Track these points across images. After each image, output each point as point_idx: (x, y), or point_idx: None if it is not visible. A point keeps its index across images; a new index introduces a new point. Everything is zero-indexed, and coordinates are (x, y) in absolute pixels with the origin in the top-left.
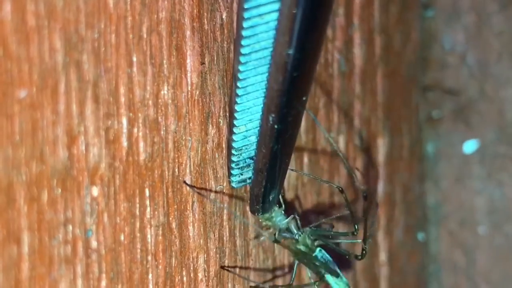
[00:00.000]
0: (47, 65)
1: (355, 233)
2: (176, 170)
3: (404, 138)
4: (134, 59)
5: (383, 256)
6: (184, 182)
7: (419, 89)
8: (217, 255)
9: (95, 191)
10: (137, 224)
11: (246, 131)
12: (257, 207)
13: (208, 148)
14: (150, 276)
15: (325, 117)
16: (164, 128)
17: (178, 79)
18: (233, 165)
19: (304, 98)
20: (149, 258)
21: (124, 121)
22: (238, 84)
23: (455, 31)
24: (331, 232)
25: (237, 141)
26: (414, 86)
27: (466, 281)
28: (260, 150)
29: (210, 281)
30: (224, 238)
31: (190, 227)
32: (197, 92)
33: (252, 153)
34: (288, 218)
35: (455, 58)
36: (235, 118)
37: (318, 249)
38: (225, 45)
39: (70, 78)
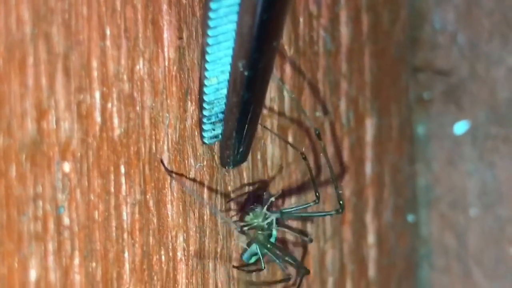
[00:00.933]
0: (14, 37)
1: (317, 202)
2: (153, 147)
3: (393, 119)
4: (108, 32)
5: (371, 238)
6: (161, 161)
7: (410, 69)
8: (197, 234)
9: (66, 167)
10: (112, 202)
11: (218, 83)
12: (228, 160)
13: (187, 125)
14: (126, 254)
15: (310, 96)
16: (140, 104)
17: (155, 54)
18: (204, 119)
19: (274, 44)
20: (125, 236)
21: (97, 95)
22: (209, 32)
23: (445, 10)
24: (298, 207)
25: (209, 94)
26: (403, 66)
27: (457, 263)
28: (231, 99)
29: (190, 260)
30: (205, 217)
31: (169, 206)
32: (175, 68)
33: (224, 107)
34: (271, 217)
35: (445, 38)
36: (206, 69)
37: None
38: None
39: (39, 50)
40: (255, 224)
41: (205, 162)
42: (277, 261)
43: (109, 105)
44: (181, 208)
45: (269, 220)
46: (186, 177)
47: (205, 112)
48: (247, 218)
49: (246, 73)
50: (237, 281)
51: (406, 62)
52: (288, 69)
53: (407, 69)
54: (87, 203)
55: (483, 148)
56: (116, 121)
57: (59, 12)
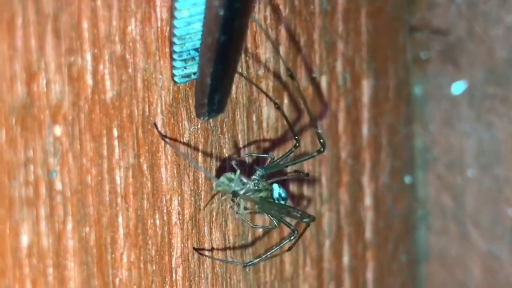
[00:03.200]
0: None
1: (298, 145)
2: (147, 109)
3: (390, 80)
4: None
5: (368, 200)
6: (154, 124)
7: (407, 29)
8: (192, 198)
9: (58, 130)
10: (105, 165)
11: (190, 16)
12: (203, 110)
13: (180, 87)
14: (120, 219)
15: (306, 57)
16: (132, 66)
17: (147, 14)
18: (175, 56)
19: None
20: (119, 200)
21: (89, 57)
22: None
23: None
24: (277, 159)
25: (179, 27)
26: (400, 26)
27: (455, 224)
28: (205, 41)
29: (185, 224)
30: (200, 180)
31: (163, 169)
32: (168, 28)
33: (198, 44)
34: (246, 183)
35: None
36: (177, 0)
37: (274, 186)
38: None
39: (28, 11)
40: (229, 190)
41: (199, 125)
42: (280, 219)
43: (101, 67)
44: (175, 172)
45: (247, 184)
46: (180, 140)
47: (175, 48)
48: (219, 186)
49: (222, 13)
50: (233, 244)
51: (403, 22)
52: (283, 29)
53: (404, 29)
54: (80, 167)
55: (481, 108)
56: (108, 83)
57: None
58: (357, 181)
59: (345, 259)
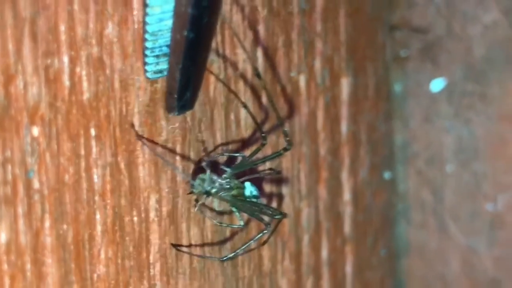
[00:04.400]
0: None
1: (265, 142)
2: (124, 109)
3: (369, 78)
4: None
5: (347, 196)
6: (131, 125)
7: (386, 28)
8: (170, 195)
9: (35, 131)
10: (82, 164)
11: (162, 13)
12: (173, 105)
13: (158, 87)
14: (97, 216)
15: (284, 56)
16: (109, 67)
17: (124, 17)
18: (147, 52)
19: None
20: (96, 198)
21: (66, 59)
22: None
23: None
24: (250, 157)
25: (151, 24)
26: (380, 24)
27: (434, 218)
28: (174, 38)
29: (163, 221)
30: (177, 178)
31: (140, 167)
32: None
33: (170, 41)
34: (217, 182)
35: None
36: None
37: (246, 184)
38: None
39: (5, 15)
40: (203, 190)
41: (177, 124)
42: (253, 215)
43: (78, 69)
44: (153, 170)
45: (218, 183)
46: (157, 140)
47: (147, 44)
48: (194, 188)
49: (190, 11)
50: (211, 240)
51: (382, 21)
52: (262, 29)
53: (383, 28)
54: (57, 166)
55: (460, 105)
56: (85, 84)
57: None
58: (336, 177)
59: (324, 253)
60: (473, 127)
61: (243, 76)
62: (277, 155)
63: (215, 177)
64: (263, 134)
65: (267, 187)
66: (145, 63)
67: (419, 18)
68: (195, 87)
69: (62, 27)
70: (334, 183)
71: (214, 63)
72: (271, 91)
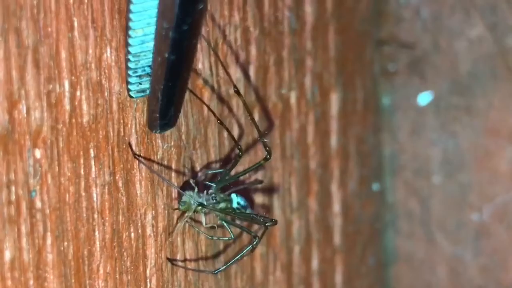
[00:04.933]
0: None
1: (240, 154)
2: (122, 130)
3: (358, 92)
4: (75, 23)
5: (336, 207)
6: (129, 144)
7: (374, 43)
8: (166, 211)
9: (38, 153)
10: (82, 184)
11: (144, 35)
12: (155, 124)
13: None
14: (96, 233)
15: (275, 75)
16: (108, 90)
17: (122, 42)
18: (130, 72)
19: (201, 6)
20: (95, 216)
21: (66, 84)
22: None
23: None
24: (227, 170)
25: (134, 46)
26: (368, 40)
27: (421, 228)
28: (156, 60)
29: (159, 236)
30: (173, 194)
31: (137, 185)
32: None
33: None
34: (205, 198)
35: (409, 12)
36: (131, 20)
37: (232, 195)
38: None
39: (9, 44)
40: (189, 208)
41: (172, 143)
42: (242, 228)
43: (78, 93)
44: (149, 187)
45: (206, 199)
46: (153, 158)
47: (130, 65)
48: (181, 206)
49: (170, 34)
50: (205, 253)
51: (370, 36)
52: (253, 49)
53: (371, 43)
54: (58, 187)
55: (446, 118)
56: (85, 107)
57: (28, 7)
58: (326, 189)
59: (314, 263)
60: (459, 140)
61: (235, 95)
62: (257, 165)
63: (201, 194)
64: (239, 147)
65: (256, 198)
66: (128, 83)
67: (407, 33)
68: (177, 106)
69: (63, 54)
70: (324, 195)
71: (208, 82)
72: (254, 107)
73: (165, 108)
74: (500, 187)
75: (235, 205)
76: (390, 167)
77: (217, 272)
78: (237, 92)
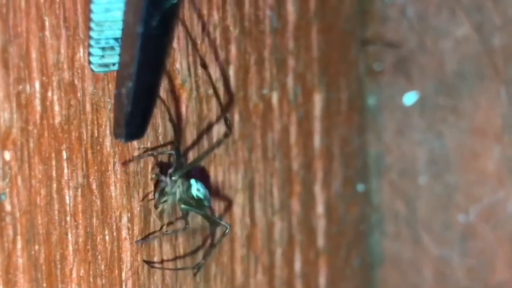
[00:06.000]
0: None
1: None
2: (96, 131)
3: (342, 92)
4: (46, 23)
5: (320, 209)
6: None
7: (359, 42)
8: (142, 214)
9: (7, 155)
10: (54, 186)
11: (108, 2)
12: (120, 132)
13: None
14: (69, 236)
15: (256, 75)
16: (81, 91)
17: None
18: (92, 42)
19: (173, 2)
20: (68, 219)
21: (37, 85)
22: None
23: None
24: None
25: (97, 13)
26: (353, 40)
27: (407, 229)
28: (123, 59)
29: (135, 238)
30: (150, 196)
31: (112, 187)
32: None
33: (118, 34)
34: (165, 181)
35: (395, 11)
36: None
37: (192, 181)
38: None
39: None
40: (170, 197)
41: (149, 144)
42: (209, 217)
43: (49, 93)
44: (124, 189)
45: (179, 184)
46: (130, 159)
47: (92, 34)
48: (162, 198)
49: (138, 31)
50: (183, 255)
51: (355, 36)
52: (233, 49)
53: (356, 43)
54: (29, 189)
55: (432, 118)
56: (56, 108)
57: None
58: (309, 191)
59: (297, 266)
60: (445, 140)
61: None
62: (218, 143)
63: (163, 178)
64: (227, 122)
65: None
66: (89, 54)
67: (392, 32)
68: (146, 115)
69: (34, 54)
70: (307, 196)
71: (186, 83)
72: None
73: (130, 115)
74: (487, 188)
75: (194, 191)
76: (375, 168)
77: (195, 268)
78: (203, 65)
